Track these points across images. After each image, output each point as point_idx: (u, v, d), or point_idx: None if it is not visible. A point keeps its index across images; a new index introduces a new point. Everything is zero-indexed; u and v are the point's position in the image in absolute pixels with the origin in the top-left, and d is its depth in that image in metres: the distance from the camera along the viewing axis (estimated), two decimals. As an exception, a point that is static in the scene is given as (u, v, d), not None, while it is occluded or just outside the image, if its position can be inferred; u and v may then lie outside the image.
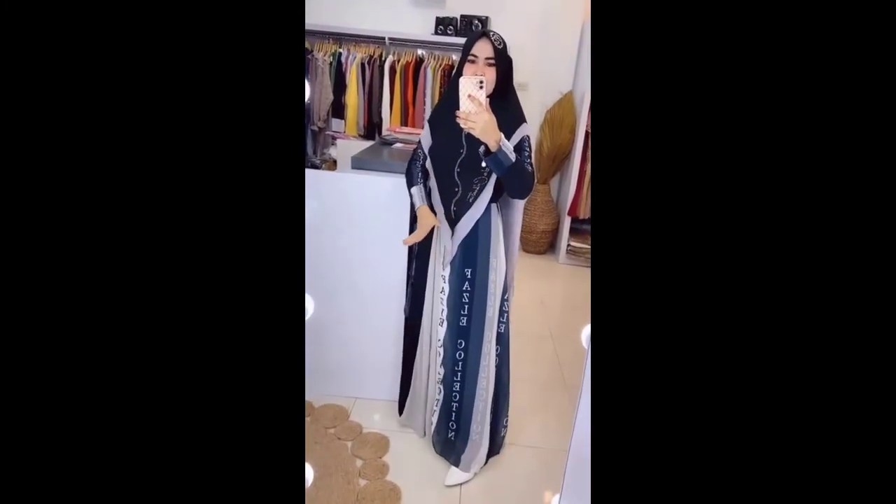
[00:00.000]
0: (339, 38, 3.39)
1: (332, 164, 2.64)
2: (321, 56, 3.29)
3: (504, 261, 1.42)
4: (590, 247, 3.39)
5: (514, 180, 1.25)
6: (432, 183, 1.39)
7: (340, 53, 3.33)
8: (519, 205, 1.44)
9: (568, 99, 3.32)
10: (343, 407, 1.75)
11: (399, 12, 3.43)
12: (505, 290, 1.44)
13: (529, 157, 1.30)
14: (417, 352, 1.55)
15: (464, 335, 1.43)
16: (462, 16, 3.24)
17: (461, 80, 1.15)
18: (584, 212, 3.36)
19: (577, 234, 3.48)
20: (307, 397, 1.71)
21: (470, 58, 1.24)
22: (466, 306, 1.41)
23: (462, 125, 1.16)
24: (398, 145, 2.04)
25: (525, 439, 1.68)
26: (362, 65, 3.31)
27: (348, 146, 2.48)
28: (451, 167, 1.33)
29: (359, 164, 1.68)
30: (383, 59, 3.31)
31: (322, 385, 1.77)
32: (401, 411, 1.66)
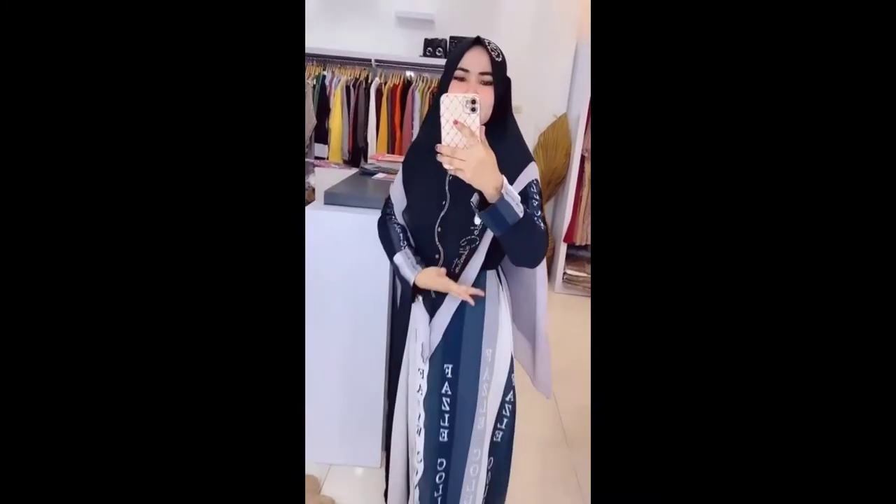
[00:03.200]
0: (324, 60, 3.25)
1: (311, 194, 2.47)
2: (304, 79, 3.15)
3: (508, 351, 1.02)
4: (587, 275, 3.22)
5: (522, 242, 0.85)
6: None
7: (324, 76, 3.19)
8: (536, 270, 1.01)
9: (563, 121, 3.19)
10: (314, 477, 1.53)
11: (386, 34, 3.31)
12: (507, 391, 1.04)
13: (540, 208, 0.92)
14: (391, 459, 1.13)
15: (444, 453, 1.00)
16: (452, 37, 3.11)
17: (443, 98, 0.77)
18: (581, 238, 3.20)
19: (574, 260, 3.32)
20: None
21: (458, 73, 0.87)
22: (447, 416, 0.99)
23: (445, 165, 0.78)
24: (380, 176, 1.87)
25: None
26: (347, 87, 3.17)
27: (328, 174, 2.32)
28: (430, 226, 0.95)
29: (332, 199, 1.50)
30: (369, 81, 3.17)
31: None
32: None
